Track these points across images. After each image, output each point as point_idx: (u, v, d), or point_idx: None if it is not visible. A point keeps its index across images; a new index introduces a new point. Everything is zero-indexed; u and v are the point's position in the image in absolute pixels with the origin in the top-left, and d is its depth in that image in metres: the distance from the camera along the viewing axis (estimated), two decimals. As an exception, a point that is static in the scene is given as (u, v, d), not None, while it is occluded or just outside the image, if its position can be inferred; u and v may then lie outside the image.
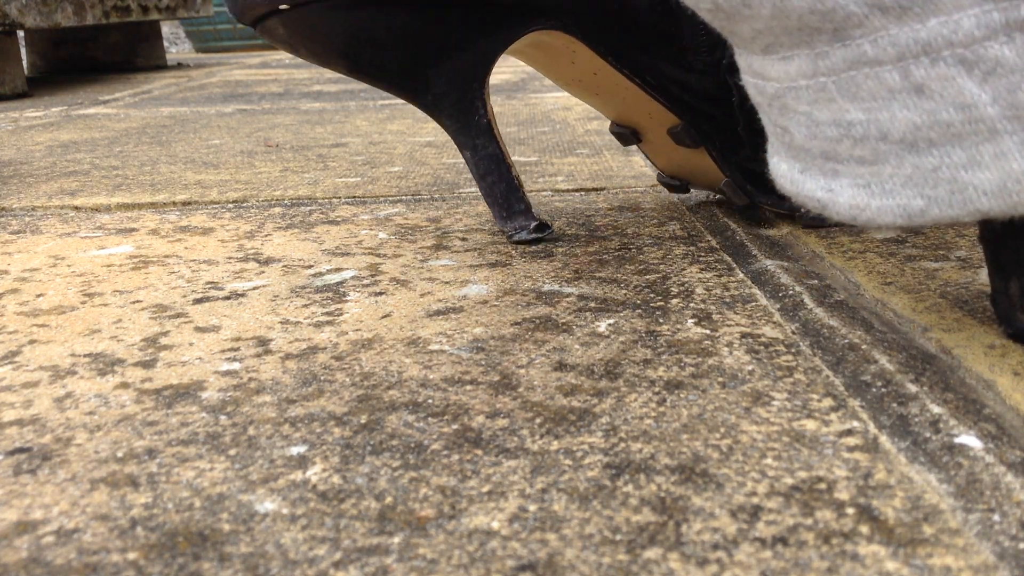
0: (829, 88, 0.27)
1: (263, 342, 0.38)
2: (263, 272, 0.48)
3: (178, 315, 0.42)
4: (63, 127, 1.14)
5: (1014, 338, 0.34)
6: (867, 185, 0.28)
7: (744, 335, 0.37)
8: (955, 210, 0.26)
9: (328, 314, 0.42)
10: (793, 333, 0.37)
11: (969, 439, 0.28)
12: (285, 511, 0.26)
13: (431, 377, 0.34)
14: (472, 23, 0.49)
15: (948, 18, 0.25)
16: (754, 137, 0.52)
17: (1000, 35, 0.24)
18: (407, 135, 0.97)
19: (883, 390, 0.32)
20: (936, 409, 0.30)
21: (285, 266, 0.49)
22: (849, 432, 0.29)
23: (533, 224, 0.52)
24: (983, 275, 0.43)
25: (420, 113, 1.16)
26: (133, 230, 0.59)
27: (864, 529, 0.24)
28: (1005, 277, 0.33)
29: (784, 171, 0.30)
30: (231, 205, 0.65)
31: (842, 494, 0.26)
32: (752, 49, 0.29)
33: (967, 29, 0.25)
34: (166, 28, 4.11)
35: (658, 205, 0.61)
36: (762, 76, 0.29)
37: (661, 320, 0.39)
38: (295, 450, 0.29)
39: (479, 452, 0.29)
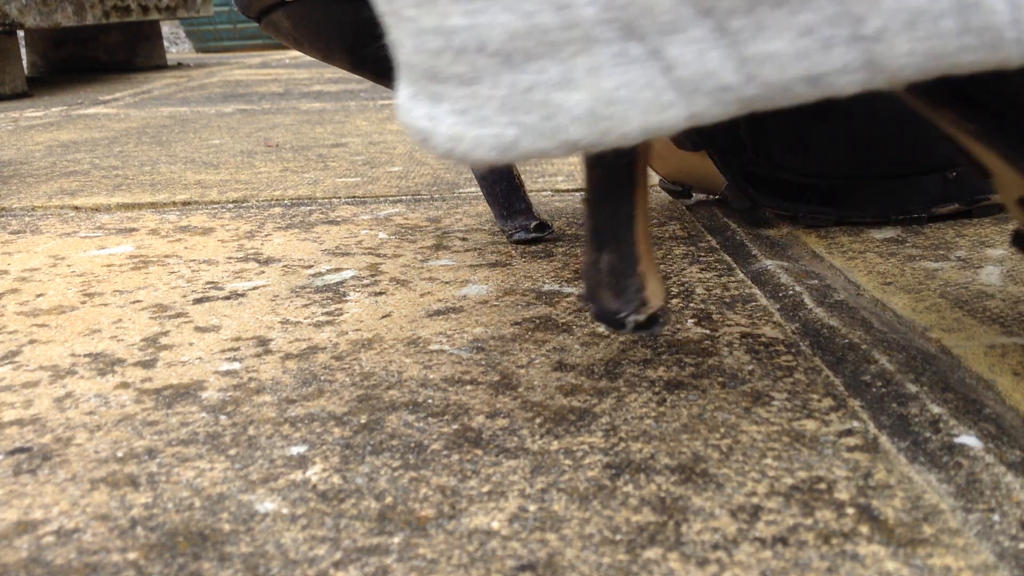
0: None
1: (263, 342, 0.38)
2: (263, 272, 0.48)
3: (178, 315, 0.42)
4: (63, 127, 1.14)
5: (596, 318, 0.31)
6: (464, 111, 0.24)
7: (744, 335, 0.37)
8: (546, 141, 0.23)
9: (328, 314, 0.42)
10: (793, 333, 0.37)
11: (969, 439, 0.28)
12: (285, 511, 0.26)
13: (431, 377, 0.34)
14: None
15: None
16: (756, 139, 0.51)
17: None
18: (407, 135, 0.98)
19: (883, 390, 0.32)
20: (936, 409, 0.30)
21: (285, 266, 0.49)
22: (849, 432, 0.29)
23: (533, 224, 0.52)
24: (983, 275, 0.43)
25: (420, 113, 1.15)
26: (133, 230, 0.59)
27: (864, 529, 0.24)
28: (598, 248, 0.30)
29: (401, 98, 0.26)
30: (231, 205, 0.65)
31: (842, 494, 0.26)
32: None
33: None
34: (166, 28, 4.11)
35: (658, 205, 0.61)
36: None
37: (661, 320, 0.39)
38: (295, 450, 0.29)
39: (479, 452, 0.29)
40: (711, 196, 0.62)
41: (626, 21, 0.22)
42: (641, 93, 0.22)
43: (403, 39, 0.25)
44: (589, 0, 0.22)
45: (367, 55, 0.48)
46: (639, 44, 0.22)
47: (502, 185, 0.51)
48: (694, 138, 0.52)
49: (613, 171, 0.29)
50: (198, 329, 0.40)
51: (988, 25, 0.20)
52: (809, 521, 0.24)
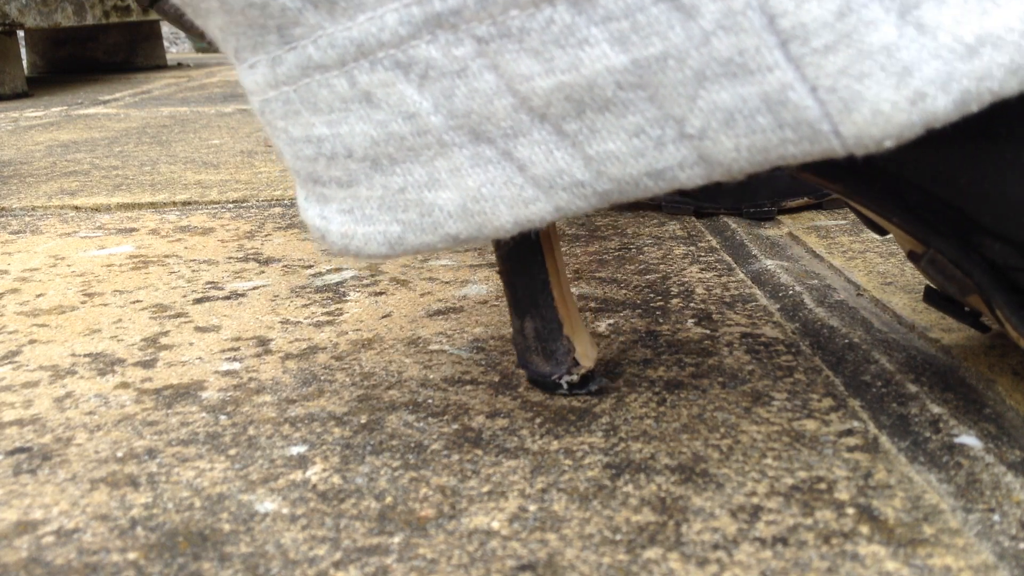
0: (292, 99, 0.25)
1: (263, 342, 0.38)
2: (263, 272, 0.48)
3: (178, 315, 0.42)
4: (63, 127, 1.14)
5: (531, 381, 0.32)
6: (350, 210, 0.25)
7: (744, 335, 0.37)
8: (429, 236, 0.24)
9: (328, 314, 0.42)
10: (793, 333, 0.37)
11: (969, 439, 0.28)
12: (285, 511, 0.26)
13: (431, 377, 0.34)
14: None
15: (374, 14, 0.22)
16: None
17: (424, 33, 0.22)
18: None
19: (883, 390, 0.32)
20: (936, 409, 0.30)
21: (285, 266, 0.49)
22: (849, 432, 0.29)
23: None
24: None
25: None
26: (133, 230, 0.59)
27: (864, 529, 0.24)
28: (520, 315, 0.32)
29: (298, 199, 0.27)
30: (231, 205, 0.65)
31: (842, 494, 0.26)
32: (230, 55, 0.26)
33: (392, 27, 0.22)
34: (166, 28, 4.11)
35: (658, 205, 0.61)
36: (247, 89, 0.26)
37: (661, 320, 0.39)
38: (295, 450, 0.29)
39: (479, 452, 0.29)
40: None
41: (471, 128, 0.23)
42: (503, 190, 0.23)
43: (282, 147, 0.26)
44: (433, 109, 0.23)
45: None
46: (490, 147, 0.23)
47: None
48: None
49: (523, 243, 0.30)
50: (198, 329, 0.40)
51: (801, 120, 0.21)
52: (809, 521, 0.24)
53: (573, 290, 0.44)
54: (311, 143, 0.25)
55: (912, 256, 0.30)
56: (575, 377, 0.31)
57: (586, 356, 0.31)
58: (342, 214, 0.26)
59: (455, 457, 0.28)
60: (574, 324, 0.31)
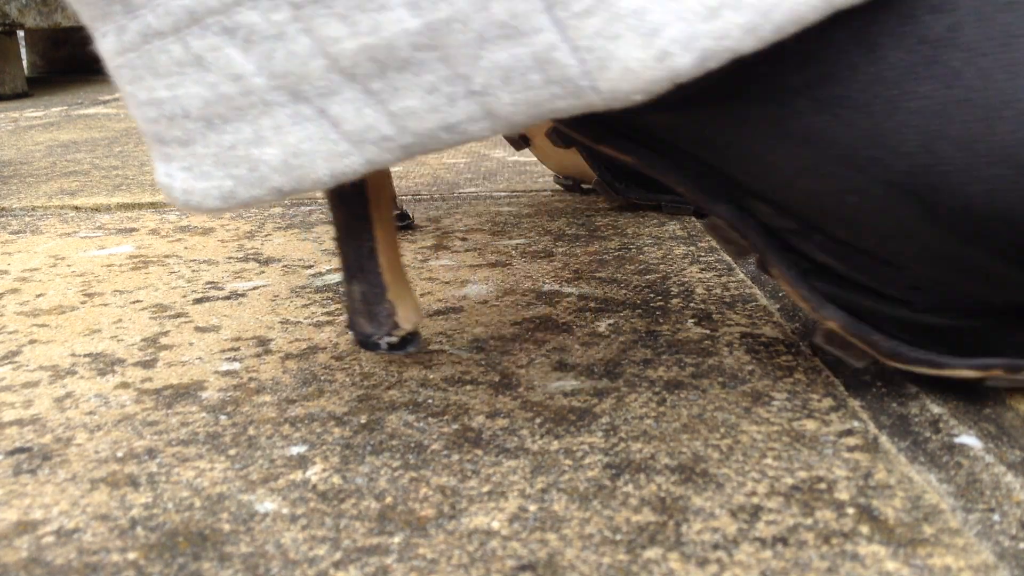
0: (137, 65, 0.27)
1: (263, 342, 0.38)
2: (263, 272, 0.48)
3: (178, 315, 0.42)
4: (63, 127, 1.14)
5: (356, 342, 0.35)
6: (190, 168, 0.27)
7: (744, 335, 0.37)
8: (257, 189, 0.26)
9: (328, 314, 0.42)
10: (793, 333, 0.37)
11: (969, 439, 0.28)
12: (285, 511, 0.26)
13: (431, 377, 0.34)
14: None
15: None
16: None
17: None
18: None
19: (883, 390, 0.32)
20: (936, 409, 0.30)
21: (285, 266, 0.49)
22: (849, 432, 0.29)
23: (395, 213, 0.56)
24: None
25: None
26: (133, 230, 0.59)
27: (864, 529, 0.24)
28: (349, 279, 0.34)
29: (154, 163, 0.29)
30: (231, 205, 0.65)
31: (842, 494, 0.26)
32: (88, 27, 0.28)
33: None
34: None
35: (658, 205, 0.61)
36: (103, 58, 0.28)
37: (661, 320, 0.39)
38: (295, 450, 0.29)
39: (479, 452, 0.29)
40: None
41: (290, 88, 0.25)
42: (320, 145, 0.25)
43: (132, 110, 0.28)
44: (257, 71, 0.25)
45: None
46: (307, 105, 0.25)
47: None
48: (563, 134, 0.55)
49: (352, 212, 0.33)
50: (198, 329, 0.40)
51: (565, 77, 0.24)
52: (809, 521, 0.24)
53: (572, 290, 0.44)
54: (154, 105, 0.27)
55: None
56: (395, 338, 0.34)
57: (406, 319, 0.34)
58: (183, 171, 0.28)
59: (455, 457, 0.28)
60: (399, 289, 0.34)
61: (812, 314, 0.31)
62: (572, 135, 0.30)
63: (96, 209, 0.66)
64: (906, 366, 0.30)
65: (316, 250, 0.53)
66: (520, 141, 0.62)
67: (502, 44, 0.24)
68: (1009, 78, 0.26)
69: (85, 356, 0.38)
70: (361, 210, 0.33)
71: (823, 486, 0.26)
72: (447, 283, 0.45)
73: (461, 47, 0.24)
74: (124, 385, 0.35)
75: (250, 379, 0.35)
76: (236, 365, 0.36)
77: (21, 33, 2.16)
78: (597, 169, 0.57)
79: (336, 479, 0.27)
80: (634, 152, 0.30)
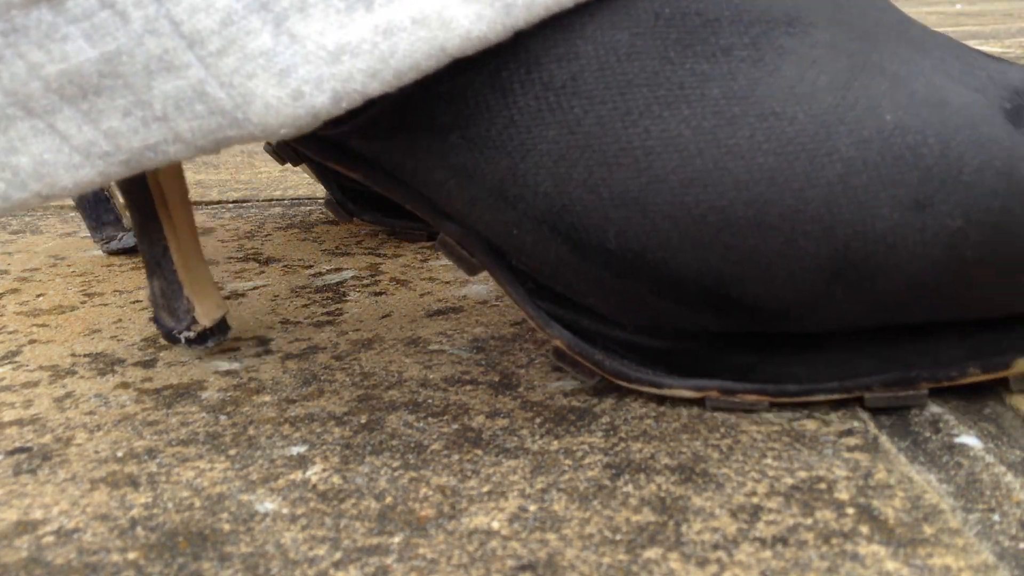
0: None
1: (263, 342, 0.38)
2: (263, 272, 0.48)
3: (178, 315, 0.42)
4: (63, 127, 1.14)
5: (167, 339, 0.36)
6: None
7: (744, 335, 0.37)
8: (22, 192, 0.28)
9: (328, 314, 0.42)
10: (793, 333, 0.37)
11: (969, 439, 0.28)
12: (285, 511, 0.26)
13: (431, 377, 0.34)
14: None
15: None
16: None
17: None
18: None
19: (883, 390, 0.32)
20: (936, 409, 0.30)
21: (285, 266, 0.49)
22: (849, 432, 0.29)
23: (122, 235, 0.53)
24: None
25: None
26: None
27: (864, 529, 0.24)
28: (149, 276, 0.36)
29: None
30: (231, 205, 0.65)
31: (842, 494, 0.26)
32: None
33: None
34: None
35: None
36: None
37: (661, 320, 0.39)
38: (295, 450, 0.29)
39: (479, 452, 0.29)
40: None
41: (22, 104, 0.26)
42: (59, 157, 0.27)
43: None
44: None
45: None
46: (40, 120, 0.27)
47: (89, 199, 0.53)
48: (291, 154, 0.54)
49: (144, 216, 0.35)
50: (198, 329, 0.40)
51: (221, 109, 0.26)
52: (809, 521, 0.24)
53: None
54: None
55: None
56: (192, 333, 0.35)
57: (205, 315, 0.35)
58: None
59: (455, 457, 0.28)
60: (196, 286, 0.35)
61: (539, 332, 0.31)
62: (302, 150, 0.31)
63: (96, 209, 0.66)
64: (629, 384, 0.30)
65: (316, 250, 0.53)
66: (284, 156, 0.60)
67: (165, 76, 0.25)
68: (625, 126, 0.27)
69: (85, 356, 0.38)
70: (150, 211, 0.35)
71: (823, 486, 0.26)
72: (447, 283, 0.45)
73: (134, 76, 0.25)
74: (124, 385, 0.35)
75: (250, 379, 0.35)
76: (236, 365, 0.36)
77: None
78: (328, 187, 0.55)
79: (336, 479, 0.27)
80: (361, 169, 0.31)
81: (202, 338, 0.36)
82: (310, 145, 0.31)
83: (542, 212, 0.28)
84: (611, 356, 0.30)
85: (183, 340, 0.36)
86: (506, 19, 0.26)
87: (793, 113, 0.27)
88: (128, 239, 0.54)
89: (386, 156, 0.30)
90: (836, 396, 0.30)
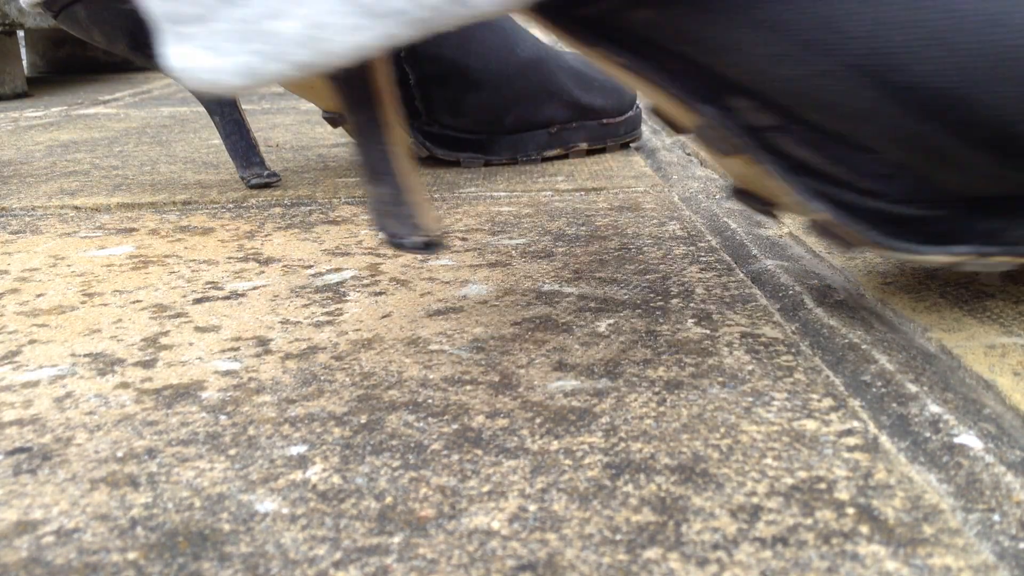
0: None
1: (263, 342, 0.38)
2: (263, 272, 0.48)
3: (178, 315, 0.42)
4: (63, 127, 1.14)
5: (387, 242, 0.35)
6: (213, 47, 0.27)
7: (744, 335, 0.37)
8: (279, 64, 0.26)
9: (328, 314, 0.42)
10: (793, 333, 0.37)
11: (969, 439, 0.28)
12: (285, 511, 0.26)
13: (431, 377, 0.34)
14: None
15: None
16: (427, 107, 0.75)
17: None
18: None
19: (883, 390, 0.32)
20: (936, 409, 0.30)
21: (285, 266, 0.49)
22: (849, 432, 0.29)
23: (266, 172, 0.70)
24: (983, 275, 0.43)
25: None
26: (133, 230, 0.59)
27: (864, 529, 0.24)
28: (371, 181, 0.35)
29: (165, 48, 0.29)
30: (231, 205, 0.65)
31: (842, 494, 0.26)
32: None
33: None
34: (166, 28, 4.09)
35: (658, 205, 0.61)
36: None
37: (661, 320, 0.39)
38: (295, 450, 0.29)
39: (479, 452, 0.29)
40: (710, 195, 0.62)
41: None
42: (341, 19, 0.25)
43: None
44: None
45: (140, 42, 0.64)
46: None
47: (243, 144, 0.69)
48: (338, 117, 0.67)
49: (368, 119, 0.34)
50: (198, 329, 0.40)
51: None
52: (809, 521, 0.24)
53: (572, 290, 0.44)
54: None
55: (684, 131, 0.34)
56: (420, 240, 0.35)
57: (428, 223, 0.35)
58: (203, 50, 0.27)
59: (455, 457, 0.28)
60: (415, 194, 0.35)
61: (799, 209, 0.32)
62: (568, 40, 0.32)
63: (96, 209, 0.66)
64: (888, 252, 0.32)
65: (316, 250, 0.53)
66: (339, 119, 0.74)
67: None
68: None
69: (85, 356, 0.38)
70: (375, 114, 0.34)
71: (823, 486, 0.26)
72: (447, 283, 0.45)
73: None
74: (124, 385, 0.35)
75: (250, 379, 0.35)
76: (236, 365, 0.36)
77: (21, 33, 2.16)
78: (412, 134, 0.68)
79: (336, 479, 0.27)
80: (600, 44, 0.32)
81: (429, 246, 0.35)
82: (575, 34, 0.31)
83: (855, 56, 0.29)
84: (872, 227, 0.32)
85: (408, 245, 0.35)
86: None
87: None
88: (269, 175, 0.69)
89: (668, 25, 0.31)
90: None
